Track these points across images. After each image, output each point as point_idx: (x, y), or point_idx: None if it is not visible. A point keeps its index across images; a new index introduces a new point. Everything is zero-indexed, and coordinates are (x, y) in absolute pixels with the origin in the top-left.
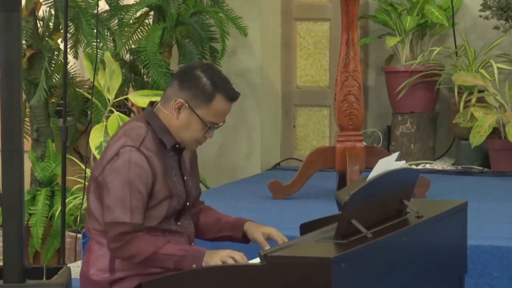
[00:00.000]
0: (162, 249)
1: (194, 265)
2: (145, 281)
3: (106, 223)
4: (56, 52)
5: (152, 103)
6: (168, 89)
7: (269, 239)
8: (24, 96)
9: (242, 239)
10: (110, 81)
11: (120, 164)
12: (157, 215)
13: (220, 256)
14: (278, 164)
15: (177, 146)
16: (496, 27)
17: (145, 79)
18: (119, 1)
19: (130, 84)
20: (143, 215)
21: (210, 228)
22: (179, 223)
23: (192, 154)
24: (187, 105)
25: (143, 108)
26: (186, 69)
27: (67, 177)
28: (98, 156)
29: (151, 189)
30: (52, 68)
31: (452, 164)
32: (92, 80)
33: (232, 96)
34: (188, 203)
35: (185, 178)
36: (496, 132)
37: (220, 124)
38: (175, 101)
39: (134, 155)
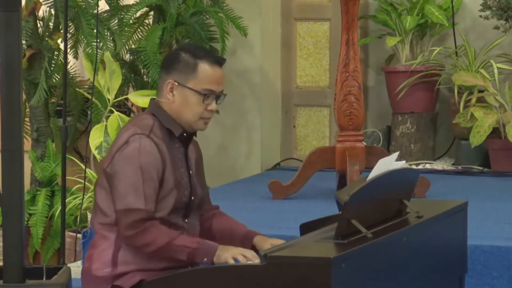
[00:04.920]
0: (176, 240)
1: (205, 259)
2: (145, 281)
3: (119, 211)
4: (56, 52)
5: (154, 99)
6: (159, 82)
7: None
8: (24, 96)
9: None
10: (110, 81)
11: (130, 151)
12: (166, 205)
13: (232, 253)
14: (278, 164)
15: (184, 134)
16: (496, 27)
17: (145, 79)
18: (119, 1)
19: (130, 84)
20: (155, 203)
21: (222, 237)
22: (186, 220)
23: (197, 156)
24: (177, 84)
25: (143, 108)
26: (167, 55)
27: (67, 177)
28: (98, 156)
29: (162, 177)
30: (52, 68)
31: (452, 164)
32: (92, 80)
33: (215, 59)
34: (193, 198)
35: (190, 172)
36: (496, 132)
37: (216, 91)
38: (166, 85)
39: (144, 141)
